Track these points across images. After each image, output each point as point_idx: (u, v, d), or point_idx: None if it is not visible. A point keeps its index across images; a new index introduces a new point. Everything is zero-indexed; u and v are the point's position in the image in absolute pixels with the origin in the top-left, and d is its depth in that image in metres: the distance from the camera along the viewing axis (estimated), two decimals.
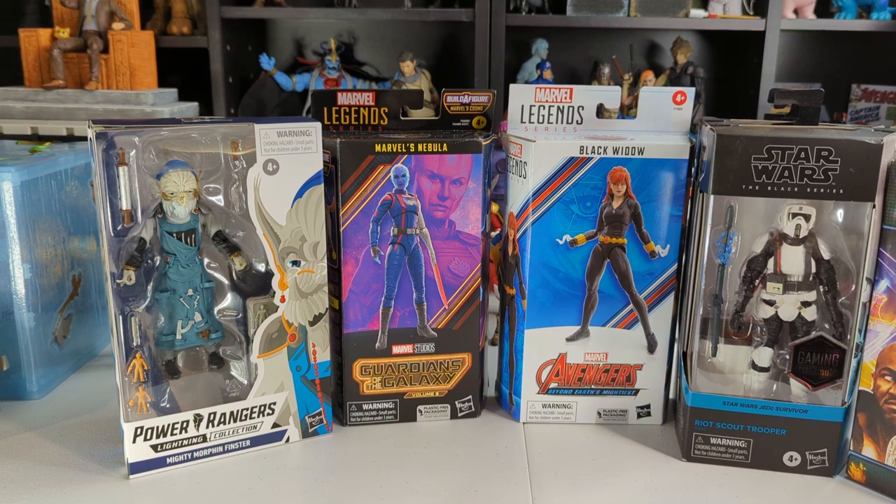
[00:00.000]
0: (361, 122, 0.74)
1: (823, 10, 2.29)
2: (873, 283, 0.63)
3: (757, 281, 0.67)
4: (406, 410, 0.74)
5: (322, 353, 0.70)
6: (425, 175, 0.69)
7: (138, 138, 0.60)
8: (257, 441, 0.69)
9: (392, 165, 0.68)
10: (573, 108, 0.75)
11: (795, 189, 0.62)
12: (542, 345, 0.73)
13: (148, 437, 0.64)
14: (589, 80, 2.42)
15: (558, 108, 0.75)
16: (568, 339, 0.73)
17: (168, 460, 0.66)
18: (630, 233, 0.70)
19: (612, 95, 0.75)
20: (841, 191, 0.61)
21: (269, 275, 0.67)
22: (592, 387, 0.74)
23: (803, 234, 0.65)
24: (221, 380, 0.69)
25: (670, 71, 2.33)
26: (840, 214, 0.64)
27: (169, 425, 0.65)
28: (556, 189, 0.69)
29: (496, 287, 0.82)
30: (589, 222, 0.70)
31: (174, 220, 0.63)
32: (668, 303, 0.71)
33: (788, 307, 0.66)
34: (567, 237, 0.70)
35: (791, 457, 0.67)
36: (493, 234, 0.86)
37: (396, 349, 0.73)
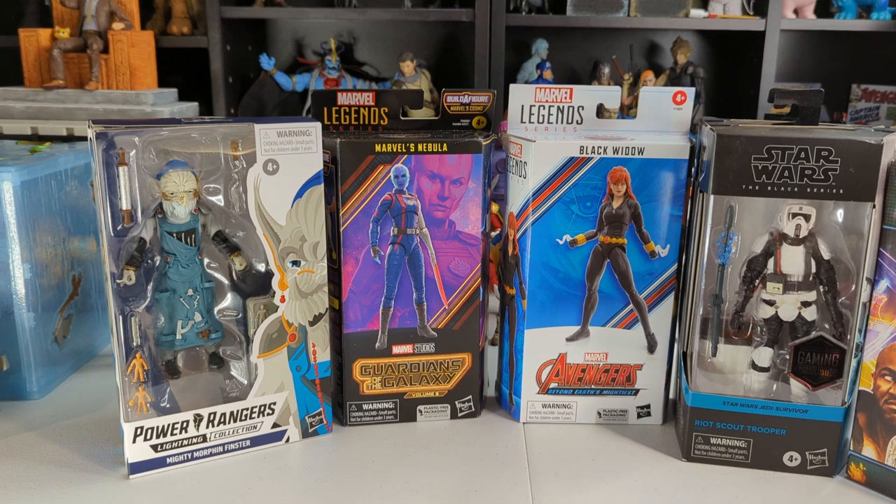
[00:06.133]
0: (361, 122, 0.74)
1: (823, 10, 2.29)
2: (873, 283, 0.63)
3: (757, 281, 0.67)
4: (406, 410, 0.74)
5: (322, 353, 0.70)
6: (425, 175, 0.69)
7: (138, 138, 0.60)
8: (257, 441, 0.69)
9: (392, 165, 0.68)
10: (573, 108, 0.75)
11: (795, 189, 0.62)
12: (542, 345, 0.73)
13: (148, 437, 0.64)
14: (589, 80, 2.42)
15: (558, 108, 0.75)
16: (568, 339, 0.73)
17: (168, 460, 0.66)
18: (630, 233, 0.70)
19: (612, 95, 0.75)
20: (841, 191, 0.61)
21: (269, 275, 0.67)
22: (592, 387, 0.74)
23: (803, 234, 0.65)
24: (221, 380, 0.69)
25: (670, 71, 2.33)
26: (840, 214, 0.64)
27: (169, 425, 0.65)
28: (556, 189, 0.69)
29: (496, 287, 0.82)
30: (589, 222, 0.70)
31: (174, 220, 0.63)
32: (668, 303, 0.71)
33: (788, 307, 0.66)
34: (567, 237, 0.70)
35: (791, 457, 0.67)
36: (493, 234, 0.86)
37: (396, 349, 0.73)
